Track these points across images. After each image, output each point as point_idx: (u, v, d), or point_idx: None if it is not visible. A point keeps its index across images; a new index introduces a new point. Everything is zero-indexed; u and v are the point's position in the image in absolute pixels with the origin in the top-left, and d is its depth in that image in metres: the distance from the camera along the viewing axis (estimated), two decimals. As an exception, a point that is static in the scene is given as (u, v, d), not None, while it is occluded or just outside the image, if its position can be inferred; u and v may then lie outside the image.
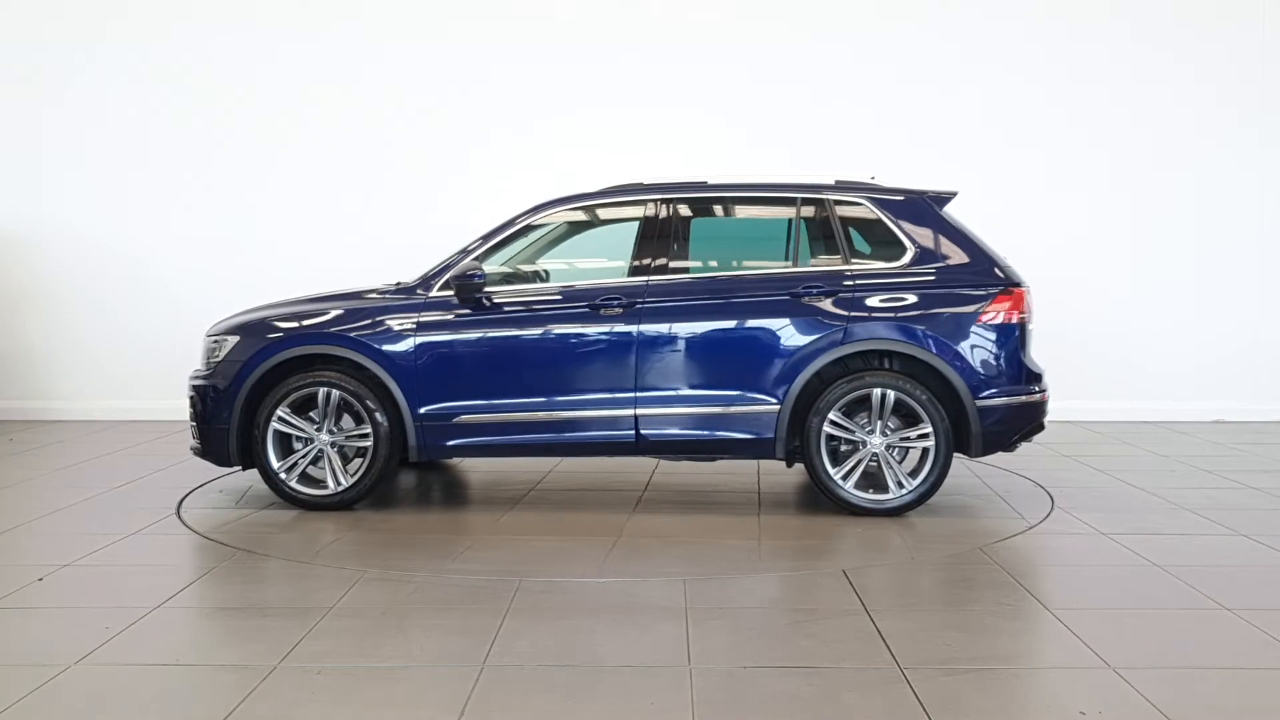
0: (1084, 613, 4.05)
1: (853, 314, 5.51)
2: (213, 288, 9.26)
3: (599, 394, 5.63)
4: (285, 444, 5.78)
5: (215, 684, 3.38)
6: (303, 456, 5.75)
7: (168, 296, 9.33)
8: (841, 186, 5.81)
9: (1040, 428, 5.68)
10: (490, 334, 5.70)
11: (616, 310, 5.62)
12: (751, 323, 5.59)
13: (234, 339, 5.87)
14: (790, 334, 5.54)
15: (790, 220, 5.83)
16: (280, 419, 5.72)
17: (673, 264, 5.75)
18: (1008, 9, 9.07)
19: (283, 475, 5.74)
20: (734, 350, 5.60)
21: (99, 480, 6.61)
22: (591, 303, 5.67)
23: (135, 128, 9.32)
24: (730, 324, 5.62)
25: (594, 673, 3.45)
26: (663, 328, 5.62)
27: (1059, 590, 4.43)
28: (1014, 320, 5.51)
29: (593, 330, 5.66)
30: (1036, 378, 5.62)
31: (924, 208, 5.71)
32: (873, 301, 5.53)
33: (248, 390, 5.74)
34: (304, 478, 5.78)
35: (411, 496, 6.27)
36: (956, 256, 5.61)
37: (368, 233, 9.13)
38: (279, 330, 5.84)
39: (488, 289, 5.73)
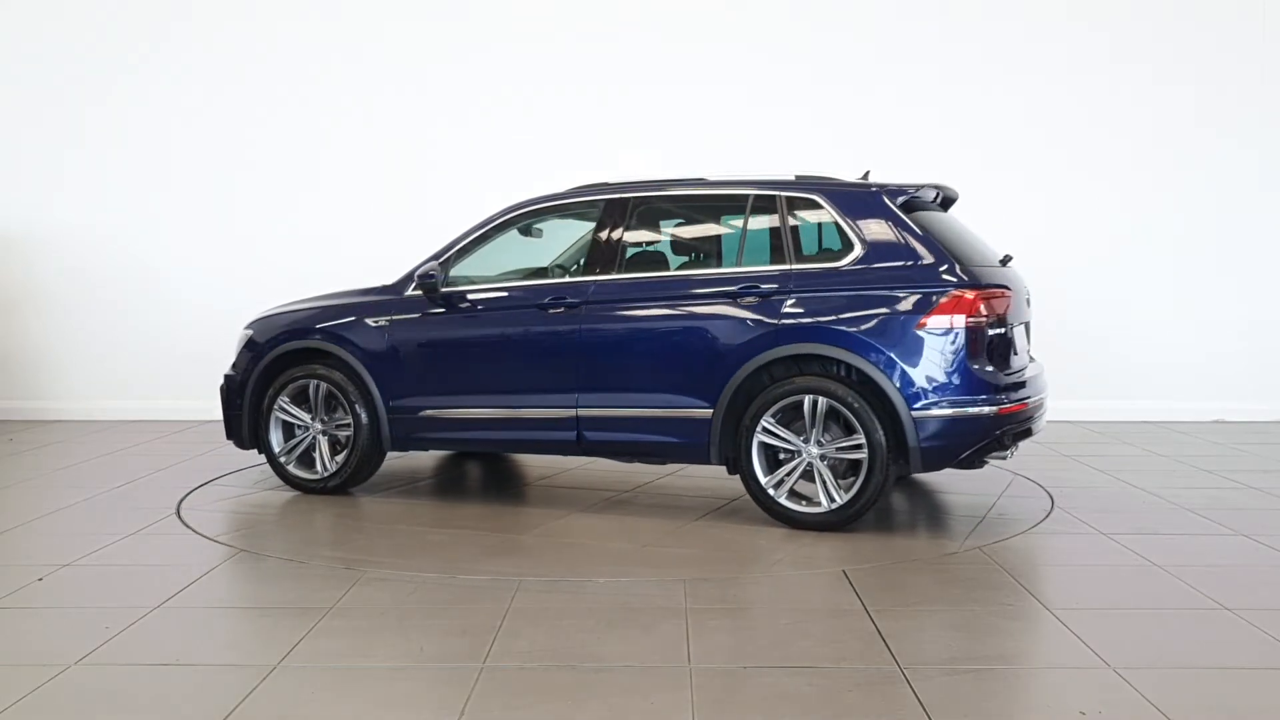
0: (1084, 613, 4.05)
1: (785, 317, 5.23)
2: (213, 288, 9.28)
3: (545, 393, 5.68)
4: (290, 431, 6.24)
5: (215, 684, 3.38)
6: (299, 443, 6.17)
7: (168, 297, 9.34)
8: (798, 183, 5.54)
9: (1000, 444, 5.11)
10: (449, 333, 5.91)
11: (561, 310, 5.64)
12: (686, 325, 5.41)
13: (249, 333, 6.40)
14: (723, 337, 5.32)
15: (742, 219, 5.57)
16: (280, 408, 6.17)
17: (620, 264, 5.69)
18: (1020, 9, 9.09)
19: (282, 459, 6.20)
20: (669, 353, 5.44)
21: (99, 480, 6.61)
22: (540, 302, 5.71)
23: (137, 129, 9.32)
24: (666, 326, 5.46)
25: (594, 673, 3.45)
26: (603, 328, 5.56)
27: (1059, 590, 4.42)
28: (961, 325, 5.00)
29: (539, 330, 5.70)
30: (996, 388, 5.07)
31: (878, 203, 5.30)
32: (807, 303, 5.21)
33: (255, 380, 6.24)
34: (304, 462, 6.18)
35: (413, 485, 6.28)
36: (906, 255, 5.16)
37: (376, 236, 9.10)
38: (280, 326, 6.28)
39: (453, 289, 5.91)
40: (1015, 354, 5.41)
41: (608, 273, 5.66)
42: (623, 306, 5.56)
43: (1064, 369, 8.99)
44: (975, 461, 5.19)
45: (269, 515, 5.71)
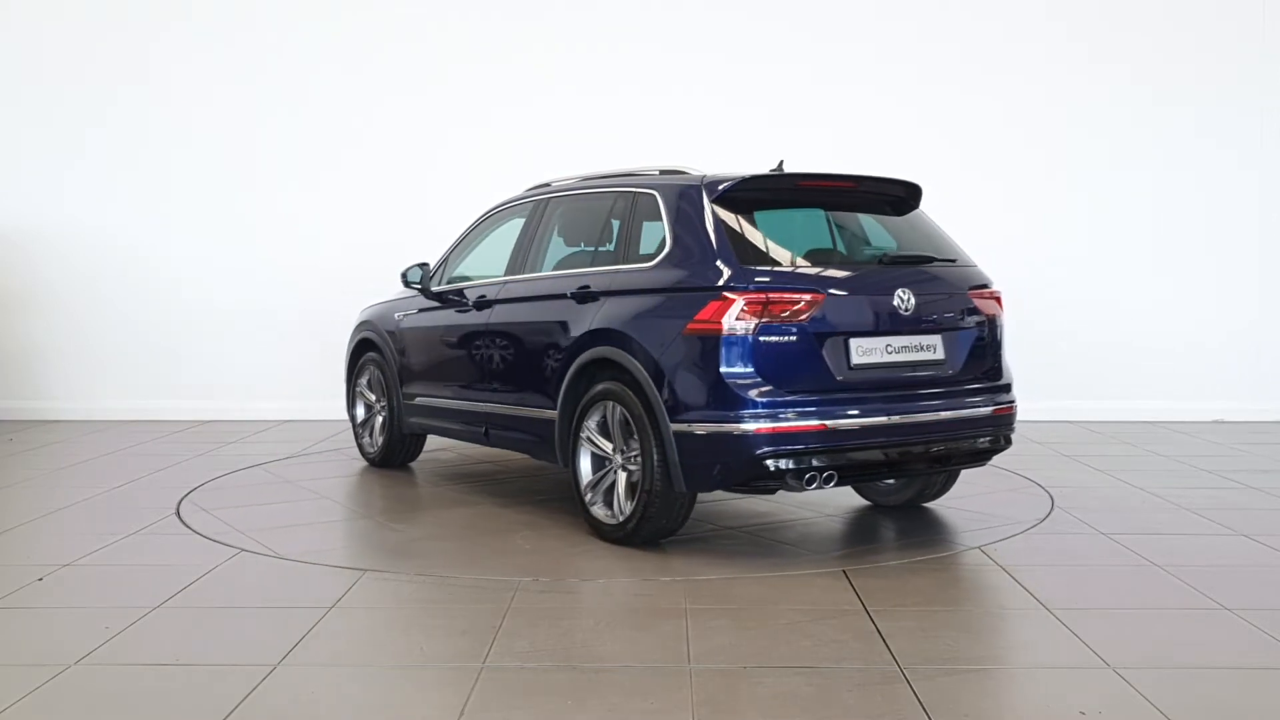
0: (1084, 613, 4.05)
1: (596, 319, 5.04)
2: (214, 288, 9.29)
3: (468, 387, 6.08)
4: (369, 409, 7.05)
5: (215, 684, 3.38)
6: (367, 419, 7.05)
7: (168, 297, 9.34)
8: (644, 179, 5.30)
9: (759, 468, 4.45)
10: (429, 328, 6.44)
11: (482, 308, 5.97)
12: (542, 327, 5.44)
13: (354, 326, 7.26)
14: (561, 339, 5.26)
15: (605, 217, 5.45)
16: (360, 390, 7.09)
17: (526, 265, 5.83)
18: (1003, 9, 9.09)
19: (359, 430, 7.16)
20: (530, 354, 5.52)
21: (99, 480, 6.62)
22: (473, 301, 6.06)
23: (138, 128, 9.34)
24: (531, 328, 5.56)
25: (594, 673, 3.45)
26: (499, 328, 5.82)
27: (1059, 590, 4.41)
28: (719, 332, 4.47)
29: (470, 327, 6.06)
30: (758, 405, 4.44)
31: (691, 199, 4.88)
32: (615, 306, 4.98)
33: (347, 364, 7.28)
34: (372, 437, 7.03)
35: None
36: (698, 255, 4.73)
37: (385, 239, 9.05)
38: (360, 319, 7.17)
39: (444, 288, 6.39)
40: (846, 366, 4.63)
41: (515, 273, 5.89)
42: (512, 307, 5.78)
43: (1065, 369, 9.00)
44: (762, 485, 4.60)
45: (269, 515, 5.70)
